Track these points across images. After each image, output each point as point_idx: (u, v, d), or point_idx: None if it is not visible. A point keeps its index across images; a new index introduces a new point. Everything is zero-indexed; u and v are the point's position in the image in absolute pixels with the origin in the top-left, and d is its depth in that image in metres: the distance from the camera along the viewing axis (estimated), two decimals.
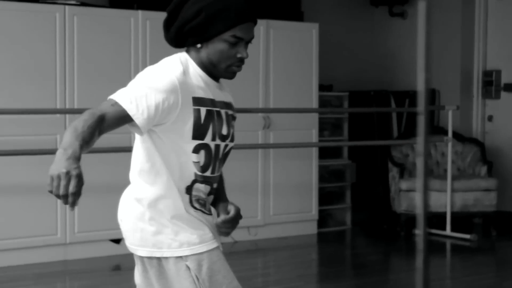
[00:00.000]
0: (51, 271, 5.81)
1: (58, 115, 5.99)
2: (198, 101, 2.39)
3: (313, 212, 7.34)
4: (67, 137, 2.10)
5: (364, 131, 8.00)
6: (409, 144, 7.67)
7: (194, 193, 2.45)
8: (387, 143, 7.73)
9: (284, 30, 7.10)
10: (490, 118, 8.11)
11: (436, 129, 7.71)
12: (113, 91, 2.35)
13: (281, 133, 7.03)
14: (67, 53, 6.00)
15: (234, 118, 2.57)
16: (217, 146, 2.45)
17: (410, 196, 7.27)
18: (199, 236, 2.44)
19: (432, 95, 8.04)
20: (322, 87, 7.55)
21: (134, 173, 2.47)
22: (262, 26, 6.85)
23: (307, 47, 7.22)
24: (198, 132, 2.39)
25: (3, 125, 5.76)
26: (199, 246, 2.43)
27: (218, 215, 2.54)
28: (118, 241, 6.06)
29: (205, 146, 2.42)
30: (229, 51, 2.40)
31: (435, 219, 7.25)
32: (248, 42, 2.44)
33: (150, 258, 2.45)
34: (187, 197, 2.44)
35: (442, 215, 7.17)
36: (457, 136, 7.63)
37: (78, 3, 6.13)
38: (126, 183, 2.51)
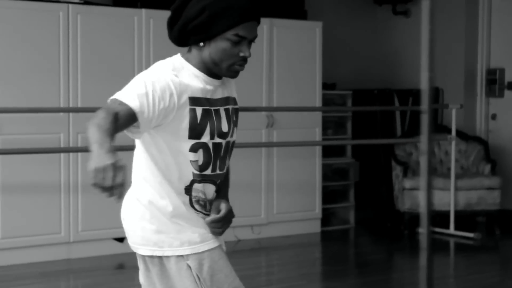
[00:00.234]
0: (55, 270, 5.81)
1: (61, 114, 5.99)
2: (194, 101, 2.39)
3: (317, 210, 7.34)
4: (95, 134, 2.08)
5: (367, 129, 7.99)
6: (413, 142, 7.66)
7: (193, 193, 2.45)
8: (390, 141, 7.72)
9: (288, 28, 7.10)
10: (493, 117, 8.10)
11: (439, 128, 7.70)
12: (117, 89, 2.35)
13: (285, 131, 7.03)
14: (71, 52, 6.01)
15: (236, 111, 2.56)
16: (217, 144, 2.45)
17: (414, 194, 7.26)
18: (200, 235, 2.45)
19: (436, 94, 8.03)
20: (325, 86, 7.55)
21: (135, 174, 2.50)
22: (265, 25, 6.84)
23: (310, 45, 7.22)
24: (195, 132, 2.39)
25: (7, 124, 5.76)
26: (200, 245, 2.44)
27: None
28: (121, 239, 6.06)
29: (203, 145, 2.41)
30: (232, 50, 2.39)
31: (438, 218, 7.25)
32: (251, 41, 2.43)
33: (151, 257, 2.45)
34: (187, 197, 2.45)
35: (446, 214, 7.16)
36: (460, 134, 7.62)
37: (82, 1, 6.13)
38: (130, 182, 2.52)
